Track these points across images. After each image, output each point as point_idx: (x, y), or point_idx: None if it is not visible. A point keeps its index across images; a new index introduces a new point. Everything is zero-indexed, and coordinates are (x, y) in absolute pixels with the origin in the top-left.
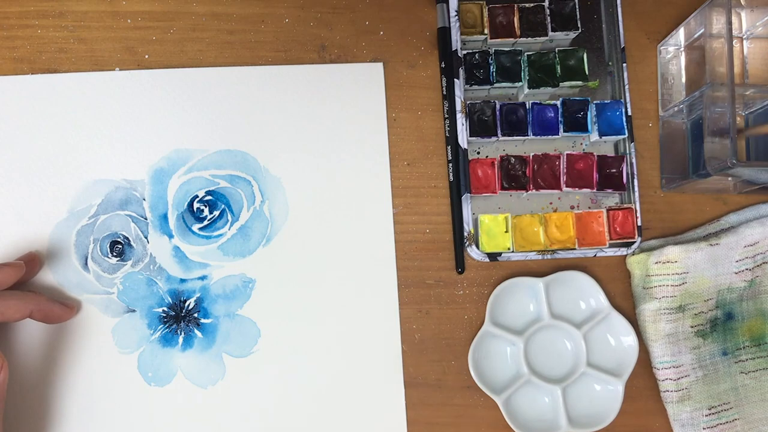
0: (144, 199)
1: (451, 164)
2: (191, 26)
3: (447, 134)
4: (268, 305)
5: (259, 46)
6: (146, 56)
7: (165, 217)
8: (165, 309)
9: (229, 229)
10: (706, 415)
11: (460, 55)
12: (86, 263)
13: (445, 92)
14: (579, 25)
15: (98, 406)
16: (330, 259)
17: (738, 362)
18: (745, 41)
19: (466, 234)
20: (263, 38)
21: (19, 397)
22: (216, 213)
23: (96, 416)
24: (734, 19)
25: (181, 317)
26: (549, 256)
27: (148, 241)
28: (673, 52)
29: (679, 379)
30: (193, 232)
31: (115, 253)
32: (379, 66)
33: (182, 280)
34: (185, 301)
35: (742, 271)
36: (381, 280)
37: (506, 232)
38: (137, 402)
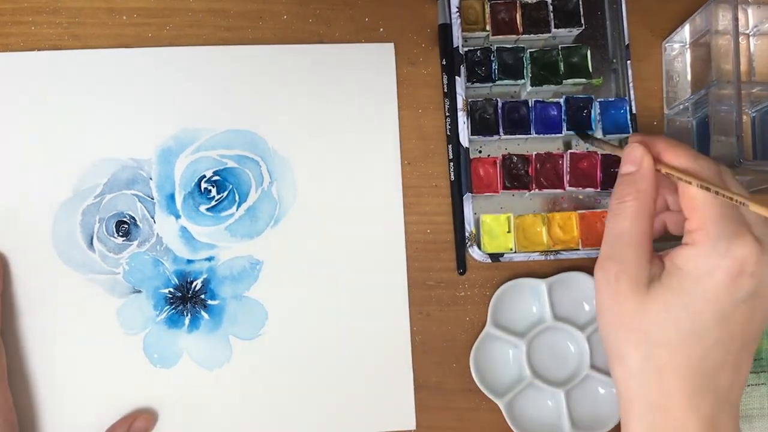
0: (151, 179)
1: (452, 163)
2: (188, 23)
3: (448, 133)
4: (276, 287)
5: (257, 43)
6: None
7: (172, 196)
8: (171, 290)
9: (236, 210)
10: None
11: (461, 52)
12: (92, 243)
13: (446, 90)
14: (582, 22)
15: (103, 387)
16: (338, 241)
17: None
18: (751, 38)
19: (467, 234)
20: (261, 35)
21: (25, 378)
22: (224, 193)
23: (101, 397)
24: (741, 16)
25: (187, 298)
26: (552, 257)
27: (154, 221)
28: (679, 50)
29: None
30: (201, 213)
31: (121, 233)
32: (390, 46)
33: (189, 261)
34: (192, 282)
35: None
36: (390, 262)
37: (508, 232)
38: (143, 383)
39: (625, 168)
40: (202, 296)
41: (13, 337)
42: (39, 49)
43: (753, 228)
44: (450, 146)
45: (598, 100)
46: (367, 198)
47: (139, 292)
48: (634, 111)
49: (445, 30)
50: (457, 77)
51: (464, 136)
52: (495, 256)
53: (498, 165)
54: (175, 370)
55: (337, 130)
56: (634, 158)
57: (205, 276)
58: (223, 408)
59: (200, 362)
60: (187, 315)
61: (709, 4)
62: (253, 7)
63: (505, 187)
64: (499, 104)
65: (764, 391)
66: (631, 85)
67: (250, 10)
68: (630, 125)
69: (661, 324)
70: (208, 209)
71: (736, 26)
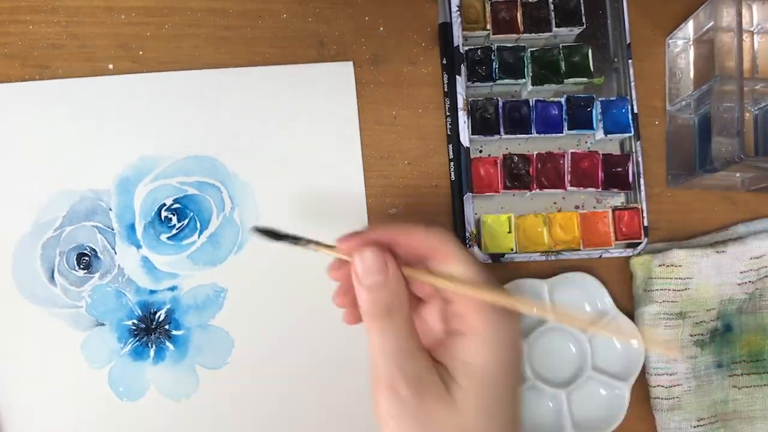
0: (110, 209)
1: (452, 163)
2: (187, 22)
3: (448, 132)
4: (241, 314)
5: (257, 42)
6: (140, 53)
7: (132, 227)
8: (135, 321)
9: (198, 238)
10: (694, 427)
11: (461, 51)
12: (53, 276)
13: (446, 89)
14: (583, 21)
15: (70, 422)
16: (304, 264)
17: (732, 376)
18: (755, 35)
19: (468, 234)
20: (260, 34)
21: None
22: (185, 221)
23: None
24: (745, 12)
25: (151, 329)
26: (553, 257)
27: (115, 252)
28: (682, 46)
29: (671, 387)
30: (162, 242)
31: (82, 266)
32: (349, 65)
33: (152, 291)
34: (155, 313)
35: (745, 283)
36: None
37: (509, 232)
38: (109, 418)
39: (367, 280)
40: (167, 327)
41: None
42: (36, 49)
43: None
44: (450, 146)
45: (600, 99)
46: (332, 215)
47: (103, 324)
48: (635, 110)
49: (446, 29)
50: (457, 76)
51: (465, 136)
52: (496, 257)
53: (499, 165)
54: (141, 403)
55: (298, 152)
56: (379, 266)
57: (168, 306)
58: None
59: (167, 393)
60: (151, 346)
61: (713, 0)
62: (253, 6)
63: (505, 187)
64: (500, 104)
65: (767, 392)
66: (632, 84)
67: (249, 9)
68: (631, 124)
69: (476, 419)
70: (169, 238)
71: (740, 22)
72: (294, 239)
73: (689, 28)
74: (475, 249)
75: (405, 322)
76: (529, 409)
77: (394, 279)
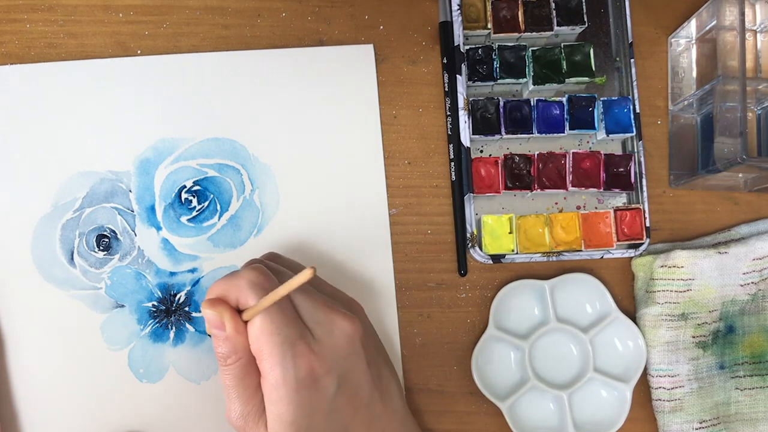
0: (130, 191)
1: (453, 163)
2: (185, 20)
3: (449, 132)
4: None
5: (255, 41)
6: (138, 51)
7: (152, 208)
8: (155, 303)
9: (218, 220)
10: (696, 429)
11: (462, 50)
12: (72, 258)
13: (447, 89)
14: (585, 19)
15: (88, 404)
16: (323, 247)
17: (734, 377)
18: (758, 34)
19: (468, 235)
20: (259, 33)
21: (8, 398)
22: (205, 203)
23: (87, 415)
24: (748, 11)
25: (171, 311)
26: (554, 258)
27: (135, 234)
28: (684, 45)
29: (672, 389)
30: (182, 224)
31: (101, 247)
32: (370, 48)
33: (172, 273)
34: (175, 295)
35: (748, 284)
36: (377, 264)
37: (510, 233)
38: (129, 399)
39: (211, 331)
40: (186, 308)
41: None
42: (33, 48)
43: (308, 324)
44: (451, 146)
45: (601, 98)
46: (352, 200)
47: (122, 306)
48: (637, 110)
49: (446, 28)
50: (458, 76)
51: (465, 136)
52: (496, 258)
53: (500, 165)
54: (161, 385)
55: (318, 134)
56: (216, 323)
57: (188, 288)
58: (212, 420)
59: (187, 375)
60: (171, 328)
61: None
62: (252, 5)
63: (506, 187)
64: (501, 103)
65: None
66: (634, 83)
67: (248, 8)
68: (633, 124)
69: None
70: (189, 220)
71: (743, 21)
72: None
73: (692, 27)
74: (476, 249)
75: (241, 368)
76: (530, 411)
77: (231, 334)
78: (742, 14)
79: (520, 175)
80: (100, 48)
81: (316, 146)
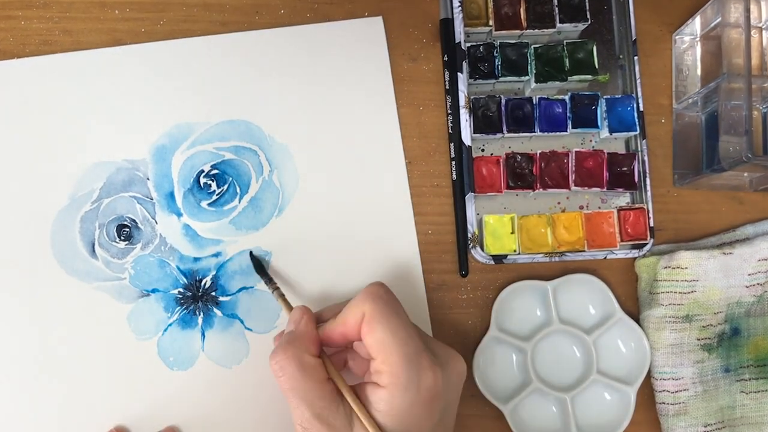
0: (148, 179)
1: (454, 162)
2: (182, 17)
3: (450, 131)
4: (287, 277)
5: None
6: None
7: (171, 195)
8: (181, 290)
9: (239, 203)
10: None
11: (463, 47)
12: (93, 250)
13: (447, 87)
14: (588, 17)
15: (120, 396)
16: (345, 223)
17: (740, 381)
18: (764, 31)
19: (470, 235)
20: (258, 30)
21: (39, 394)
22: (224, 187)
23: (120, 406)
24: (753, 8)
25: (198, 297)
26: (557, 259)
27: (156, 222)
28: (689, 42)
29: (676, 392)
30: (203, 209)
31: (122, 237)
32: (378, 20)
33: (196, 259)
34: (201, 280)
35: (753, 285)
36: (400, 236)
37: (512, 233)
38: (161, 388)
39: (287, 328)
40: (213, 293)
41: (24, 353)
42: (28, 45)
43: (428, 345)
44: (452, 145)
45: (605, 97)
46: (371, 173)
47: (148, 295)
48: (641, 108)
49: (447, 25)
50: (459, 74)
51: (466, 134)
52: (498, 258)
53: (501, 164)
54: (192, 372)
55: (333, 110)
56: (295, 318)
57: (213, 272)
58: (246, 403)
59: (217, 360)
60: (199, 314)
61: None
62: (250, 1)
63: (508, 187)
64: (503, 101)
65: None
66: (638, 81)
67: (246, 4)
68: (637, 122)
69: None
70: (209, 204)
71: (748, 18)
72: (268, 280)
73: (696, 24)
74: (477, 250)
75: (301, 367)
76: (532, 414)
77: (302, 329)
78: (748, 11)
79: (522, 174)
80: (96, 45)
81: (332, 121)
